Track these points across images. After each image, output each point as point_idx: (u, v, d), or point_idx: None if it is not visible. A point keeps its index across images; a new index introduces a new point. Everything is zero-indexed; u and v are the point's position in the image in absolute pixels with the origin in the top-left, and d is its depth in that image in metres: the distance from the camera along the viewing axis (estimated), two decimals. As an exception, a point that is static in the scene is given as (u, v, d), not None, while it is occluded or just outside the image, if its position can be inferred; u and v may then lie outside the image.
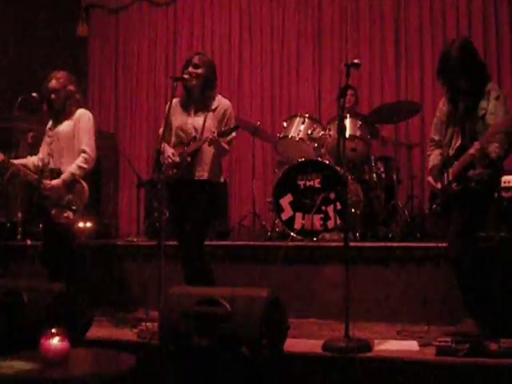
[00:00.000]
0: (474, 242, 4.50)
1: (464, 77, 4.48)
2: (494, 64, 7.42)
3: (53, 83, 5.19)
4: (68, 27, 9.14)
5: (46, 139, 5.26)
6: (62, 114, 5.23)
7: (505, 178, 5.73)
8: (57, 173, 5.15)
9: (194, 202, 4.85)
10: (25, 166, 5.24)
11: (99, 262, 6.29)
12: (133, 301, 5.87)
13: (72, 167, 5.10)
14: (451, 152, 4.58)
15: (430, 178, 4.68)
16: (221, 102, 4.99)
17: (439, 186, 4.58)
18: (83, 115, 5.22)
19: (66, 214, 5.10)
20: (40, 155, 5.32)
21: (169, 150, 4.90)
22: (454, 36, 7.54)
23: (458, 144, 4.54)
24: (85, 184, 5.15)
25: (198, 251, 4.87)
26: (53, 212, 5.10)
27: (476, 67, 4.51)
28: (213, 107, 4.93)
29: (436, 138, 4.76)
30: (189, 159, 4.84)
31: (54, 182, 5.10)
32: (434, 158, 4.73)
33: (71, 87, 5.23)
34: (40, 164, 5.26)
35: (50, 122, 5.32)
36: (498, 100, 4.42)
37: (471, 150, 4.31)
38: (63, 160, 5.16)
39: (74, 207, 5.10)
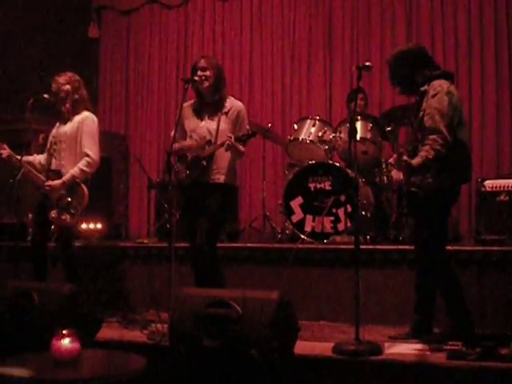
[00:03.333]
0: (430, 248, 4.46)
1: (398, 84, 4.62)
2: (505, 58, 7.39)
3: (52, 87, 5.34)
4: (79, 29, 9.16)
5: (50, 139, 5.33)
6: (65, 115, 5.34)
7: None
8: (58, 174, 5.23)
9: (209, 204, 4.85)
10: (30, 163, 5.34)
11: (109, 264, 6.31)
12: (143, 302, 5.87)
13: (74, 170, 5.16)
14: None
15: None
16: (233, 104, 4.99)
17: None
18: (87, 118, 5.29)
19: (63, 217, 5.15)
20: (46, 155, 5.42)
21: (186, 142, 4.96)
22: (465, 37, 7.55)
23: (411, 147, 4.51)
24: (85, 188, 5.17)
25: (210, 253, 4.87)
26: (51, 213, 5.17)
27: (406, 78, 4.52)
28: (226, 110, 4.94)
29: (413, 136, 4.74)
30: (204, 163, 4.85)
31: (54, 182, 5.17)
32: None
33: (67, 87, 5.30)
34: (45, 163, 5.38)
35: (58, 124, 5.42)
36: (434, 98, 4.31)
37: (416, 160, 4.25)
38: (64, 162, 5.24)
39: (72, 210, 5.13)
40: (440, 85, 4.37)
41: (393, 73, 4.63)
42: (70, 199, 5.14)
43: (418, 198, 4.39)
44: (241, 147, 4.84)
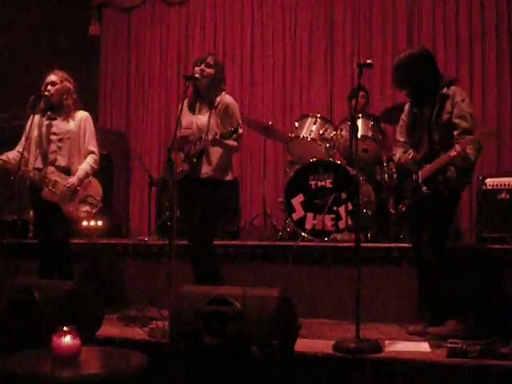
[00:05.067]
0: (444, 242, 4.64)
1: (412, 86, 4.66)
2: (507, 59, 7.39)
3: (51, 77, 5.34)
4: (80, 26, 9.16)
5: (51, 137, 5.28)
6: (58, 111, 5.32)
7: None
8: (67, 171, 5.27)
9: (199, 200, 4.88)
10: (6, 161, 5.28)
11: (110, 261, 6.31)
12: (143, 300, 5.87)
13: (85, 167, 5.28)
14: (419, 156, 4.67)
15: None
16: (223, 98, 5.01)
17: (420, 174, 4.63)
18: (88, 118, 5.41)
19: (84, 209, 5.30)
20: (21, 150, 5.29)
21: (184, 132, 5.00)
22: (466, 35, 7.55)
23: (425, 148, 4.63)
24: (96, 180, 5.40)
25: (205, 250, 4.89)
26: (67, 208, 5.18)
27: (422, 79, 4.60)
28: (215, 104, 4.96)
29: (402, 139, 4.90)
30: (195, 159, 4.88)
31: (72, 180, 5.22)
32: (401, 154, 4.85)
33: (68, 84, 5.35)
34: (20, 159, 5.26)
35: (38, 118, 5.33)
36: (463, 103, 4.51)
37: (452, 153, 4.35)
38: (73, 159, 5.30)
39: (91, 201, 5.32)
40: (461, 91, 4.63)
41: (404, 76, 4.66)
42: (86, 192, 5.30)
43: (443, 196, 4.53)
44: (231, 142, 4.86)
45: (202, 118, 4.95)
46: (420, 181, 4.58)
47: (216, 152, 4.92)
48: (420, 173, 4.60)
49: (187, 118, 5.03)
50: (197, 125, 4.94)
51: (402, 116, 4.92)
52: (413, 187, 4.64)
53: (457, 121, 4.48)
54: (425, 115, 4.65)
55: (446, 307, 4.61)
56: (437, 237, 4.59)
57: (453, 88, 4.59)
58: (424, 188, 4.54)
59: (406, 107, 4.89)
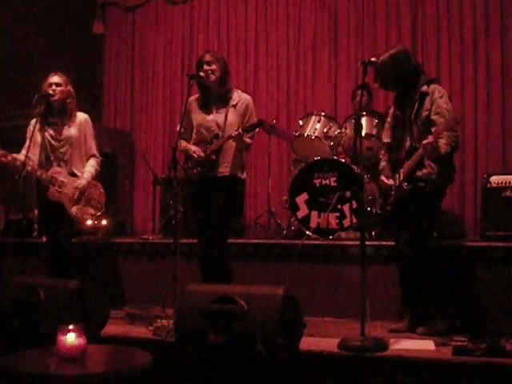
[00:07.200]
0: (426, 241, 4.67)
1: (398, 84, 4.79)
2: (511, 58, 7.38)
3: (55, 78, 5.31)
4: (84, 25, 9.15)
5: (54, 143, 5.28)
6: (59, 115, 5.33)
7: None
8: (72, 174, 5.32)
9: (216, 197, 4.88)
10: (15, 159, 5.27)
11: (115, 260, 6.32)
12: (148, 298, 5.88)
13: (91, 169, 5.34)
14: (401, 154, 4.76)
15: (382, 177, 4.87)
16: (241, 96, 5.04)
17: (391, 182, 4.76)
18: (88, 120, 5.43)
19: (88, 211, 5.33)
20: (25, 152, 5.27)
21: (192, 147, 4.97)
22: (471, 35, 7.52)
23: (407, 146, 4.72)
24: (100, 184, 5.44)
25: (220, 248, 4.90)
26: (72, 208, 5.19)
27: (407, 75, 4.71)
28: (233, 102, 4.98)
29: (386, 140, 5.02)
30: (214, 157, 4.88)
31: (82, 181, 5.27)
32: (384, 159, 4.98)
33: (71, 88, 5.36)
34: (29, 167, 5.24)
35: (39, 123, 5.30)
36: (441, 99, 4.59)
37: (423, 141, 4.44)
38: (77, 163, 5.35)
39: (95, 204, 5.36)
40: (441, 88, 4.72)
41: (389, 74, 4.74)
42: (90, 195, 5.33)
43: (424, 192, 4.58)
44: (247, 139, 4.90)
45: (220, 116, 4.96)
46: (401, 178, 4.65)
47: (230, 150, 4.95)
48: (401, 170, 4.68)
49: (201, 116, 5.03)
50: (215, 122, 4.95)
51: (387, 119, 5.06)
52: (396, 186, 4.72)
53: (434, 117, 4.57)
54: (406, 115, 4.74)
55: (429, 306, 4.67)
56: (417, 235, 4.63)
57: (432, 86, 4.69)
58: (404, 184, 4.61)
59: (391, 110, 5.02)
